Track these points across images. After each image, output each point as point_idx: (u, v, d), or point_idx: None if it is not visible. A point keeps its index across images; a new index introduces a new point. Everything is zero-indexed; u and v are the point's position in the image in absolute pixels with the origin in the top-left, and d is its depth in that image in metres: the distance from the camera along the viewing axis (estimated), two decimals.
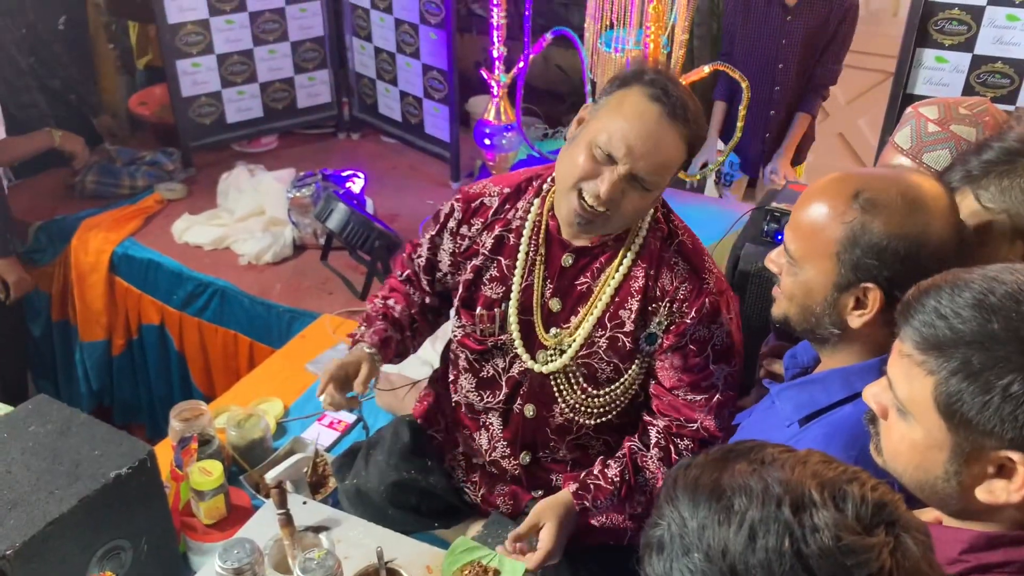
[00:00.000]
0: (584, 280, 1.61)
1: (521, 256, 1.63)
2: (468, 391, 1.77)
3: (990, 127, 1.37)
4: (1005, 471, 0.89)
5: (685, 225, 1.64)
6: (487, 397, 1.74)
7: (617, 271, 1.58)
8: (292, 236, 3.03)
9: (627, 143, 1.43)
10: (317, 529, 1.61)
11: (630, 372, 1.61)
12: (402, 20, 3.39)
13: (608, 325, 1.59)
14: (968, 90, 2.63)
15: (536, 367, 1.65)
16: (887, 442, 0.98)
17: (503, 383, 1.71)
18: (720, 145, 3.41)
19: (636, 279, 1.58)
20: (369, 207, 3.06)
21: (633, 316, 1.57)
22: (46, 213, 3.24)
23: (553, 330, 1.64)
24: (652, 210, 1.59)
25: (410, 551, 1.58)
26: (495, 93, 2.94)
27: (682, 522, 0.70)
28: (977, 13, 2.56)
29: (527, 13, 2.81)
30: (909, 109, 1.49)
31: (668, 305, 1.56)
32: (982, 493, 0.91)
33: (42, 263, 3.22)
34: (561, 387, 1.66)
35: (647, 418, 1.64)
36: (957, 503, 0.94)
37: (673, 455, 1.60)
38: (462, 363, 1.76)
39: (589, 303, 1.60)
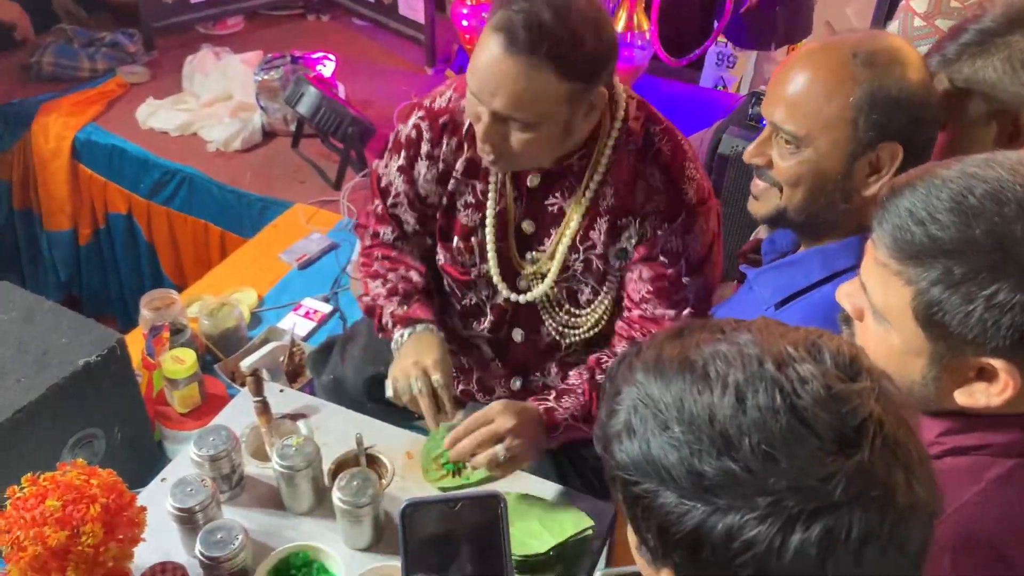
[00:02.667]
0: (554, 201, 1.51)
1: (493, 179, 1.53)
2: (454, 319, 1.71)
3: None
4: (985, 374, 0.86)
5: (667, 128, 1.50)
6: (473, 325, 1.69)
7: (585, 193, 1.48)
8: (261, 122, 2.92)
9: (476, 85, 1.32)
10: (295, 417, 1.59)
11: (606, 289, 1.55)
12: None
13: (580, 248, 1.52)
14: None
15: (516, 297, 1.59)
16: (869, 347, 0.94)
17: (487, 311, 1.65)
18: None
19: (605, 197, 1.48)
20: (341, 93, 2.94)
21: (603, 236, 1.49)
22: (1, 97, 3.08)
23: (529, 255, 1.56)
24: (620, 122, 1.45)
25: (390, 438, 1.56)
26: None
27: (651, 400, 0.65)
28: None
29: None
30: (902, 2, 1.42)
31: (640, 219, 1.47)
32: (961, 396, 0.88)
33: (0, 150, 3.10)
34: (545, 311, 1.60)
35: (616, 334, 1.58)
36: (935, 405, 0.92)
37: None
38: (446, 287, 1.69)
39: (562, 225, 1.52)
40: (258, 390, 1.53)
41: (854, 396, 0.61)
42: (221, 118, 2.93)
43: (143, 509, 1.27)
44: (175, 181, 2.82)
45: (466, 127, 1.52)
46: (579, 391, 1.49)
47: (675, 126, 1.52)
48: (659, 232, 1.47)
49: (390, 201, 1.63)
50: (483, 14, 2.82)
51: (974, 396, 0.87)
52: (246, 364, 1.84)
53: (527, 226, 1.55)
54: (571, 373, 1.55)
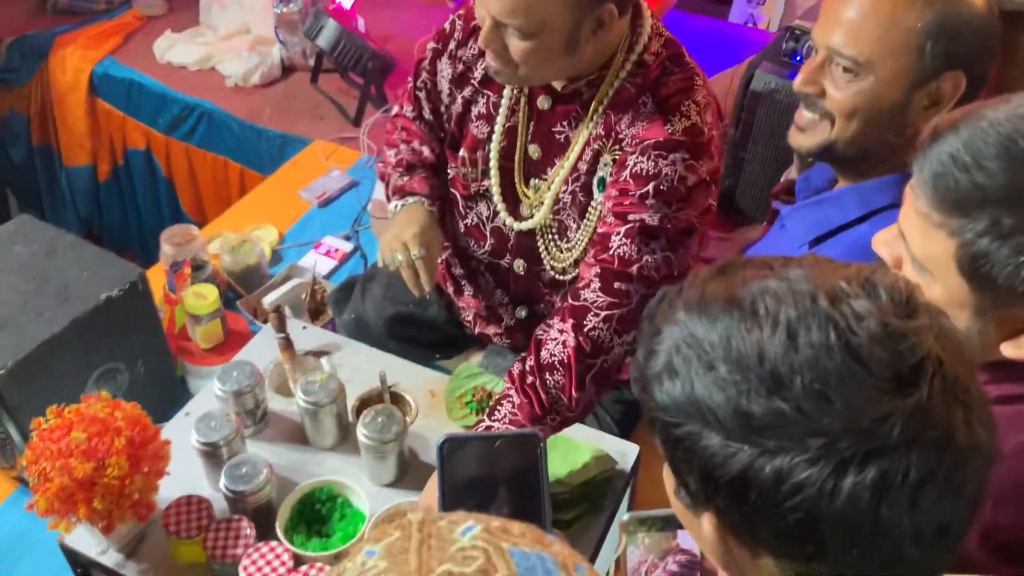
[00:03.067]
0: (562, 129, 1.45)
1: (507, 93, 1.48)
2: (456, 236, 1.68)
3: None
4: None
5: (689, 71, 1.38)
6: (472, 246, 1.65)
7: (589, 124, 1.42)
8: (280, 56, 2.87)
9: None
10: (318, 353, 1.58)
11: (584, 225, 1.48)
12: None
13: (569, 180, 1.46)
14: None
15: (513, 223, 1.54)
16: None
17: (487, 233, 1.61)
18: None
19: (597, 126, 1.40)
20: (361, 26, 2.87)
21: (587, 166, 1.43)
22: (17, 29, 3.05)
23: (533, 181, 1.51)
24: (636, 54, 1.37)
25: (413, 376, 1.55)
26: None
27: (695, 340, 0.62)
28: None
29: None
30: None
31: (618, 145, 1.39)
32: (1009, 349, 0.85)
33: (18, 84, 3.06)
34: (543, 241, 1.55)
35: (581, 273, 1.43)
36: (980, 357, 0.88)
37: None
38: (451, 206, 1.66)
39: (564, 155, 1.46)
40: (281, 326, 1.52)
41: (912, 333, 0.58)
42: (239, 52, 2.88)
43: (167, 443, 1.27)
44: (194, 116, 2.79)
45: None
46: (512, 396, 1.34)
47: (702, 70, 1.41)
48: (629, 150, 1.36)
49: (417, 82, 1.61)
50: None
51: (1020, 348, 0.84)
52: (268, 300, 1.83)
53: (533, 151, 1.50)
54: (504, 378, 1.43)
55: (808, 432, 0.57)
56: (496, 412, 1.33)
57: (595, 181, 1.44)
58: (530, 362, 1.35)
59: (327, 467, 1.41)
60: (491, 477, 1.00)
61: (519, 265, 1.61)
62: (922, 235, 0.84)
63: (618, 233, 1.34)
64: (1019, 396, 0.86)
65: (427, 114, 1.63)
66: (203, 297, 1.71)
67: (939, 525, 0.59)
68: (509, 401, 1.33)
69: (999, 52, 1.13)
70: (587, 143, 1.42)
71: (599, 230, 1.40)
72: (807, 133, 1.23)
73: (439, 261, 1.64)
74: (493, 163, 1.52)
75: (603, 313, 1.33)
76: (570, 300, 1.37)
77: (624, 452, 1.44)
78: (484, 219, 1.60)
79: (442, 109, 1.59)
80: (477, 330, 1.75)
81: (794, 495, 0.57)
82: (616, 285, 1.33)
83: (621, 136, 1.38)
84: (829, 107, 1.18)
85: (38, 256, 1.61)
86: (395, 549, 0.46)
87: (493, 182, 1.54)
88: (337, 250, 2.12)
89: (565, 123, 1.45)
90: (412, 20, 3.07)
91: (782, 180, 1.68)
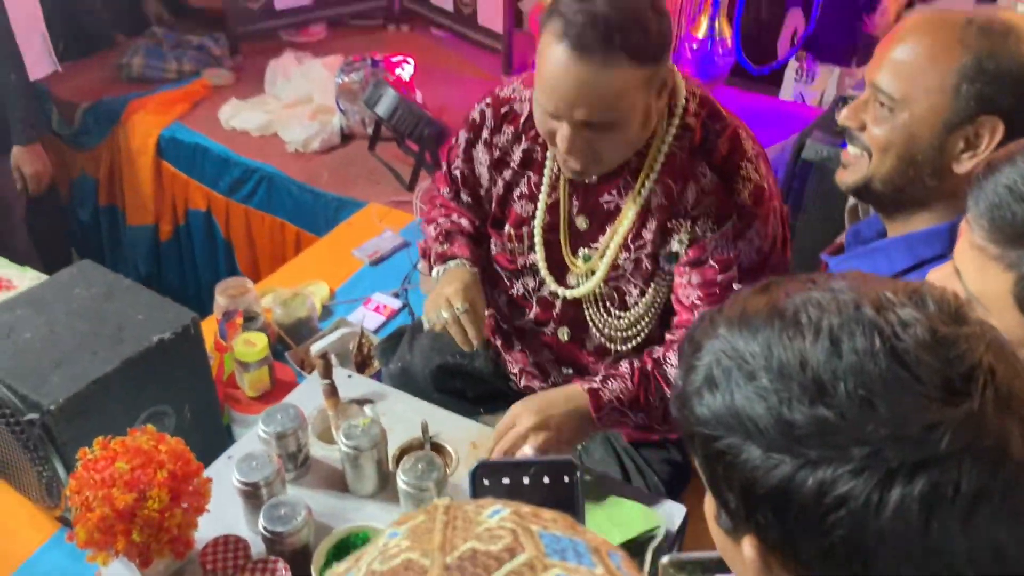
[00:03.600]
0: (610, 198, 1.47)
1: (547, 172, 1.50)
2: (502, 305, 1.69)
3: None
4: None
5: (730, 125, 1.42)
6: (517, 317, 1.66)
7: (641, 191, 1.42)
8: (340, 124, 2.96)
9: (554, 101, 1.27)
10: (361, 402, 1.58)
11: (650, 292, 1.49)
12: None
13: (632, 247, 1.47)
14: None
15: (563, 291, 1.56)
16: None
17: (533, 302, 1.62)
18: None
19: (658, 196, 1.42)
20: (418, 97, 2.96)
21: (653, 236, 1.44)
22: (93, 96, 3.20)
23: (582, 251, 1.52)
24: (679, 119, 1.40)
25: (455, 427, 1.54)
26: None
27: (736, 352, 0.61)
28: None
29: None
30: None
31: (691, 221, 1.41)
32: None
33: (89, 147, 3.21)
34: (591, 311, 1.56)
35: (667, 336, 1.51)
36: None
37: None
38: (493, 279, 1.68)
39: (616, 223, 1.47)
40: (327, 373, 1.52)
41: (962, 341, 0.57)
42: (301, 119, 2.98)
43: (209, 480, 1.27)
44: (254, 179, 2.87)
45: (524, 117, 1.50)
46: (627, 377, 1.43)
47: (744, 124, 1.45)
48: (709, 235, 1.40)
49: (452, 168, 1.66)
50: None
51: None
52: (316, 348, 1.85)
53: (581, 222, 1.51)
54: (623, 362, 1.48)
55: (852, 441, 0.55)
56: (608, 383, 1.42)
57: (666, 254, 1.45)
58: (657, 354, 1.45)
59: (365, 513, 1.39)
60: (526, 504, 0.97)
61: (563, 332, 1.61)
62: (978, 269, 0.83)
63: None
64: None
65: (465, 197, 1.68)
66: (252, 344, 1.73)
67: (995, 548, 0.55)
68: (622, 379, 1.42)
69: None
70: (647, 212, 1.44)
71: (684, 302, 1.45)
72: (849, 169, 1.24)
73: (486, 315, 1.65)
74: (538, 238, 1.54)
75: None
76: None
77: (671, 513, 1.40)
78: (530, 290, 1.62)
79: (482, 192, 1.63)
80: (523, 383, 1.74)
81: (837, 509, 0.55)
82: None
83: (693, 213, 1.41)
84: (868, 141, 1.18)
85: (96, 299, 1.65)
86: (419, 530, 0.45)
87: (539, 256, 1.56)
88: (386, 306, 2.14)
89: (613, 192, 1.46)
90: (467, 92, 3.15)
91: (836, 242, 1.66)
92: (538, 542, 0.43)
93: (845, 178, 1.25)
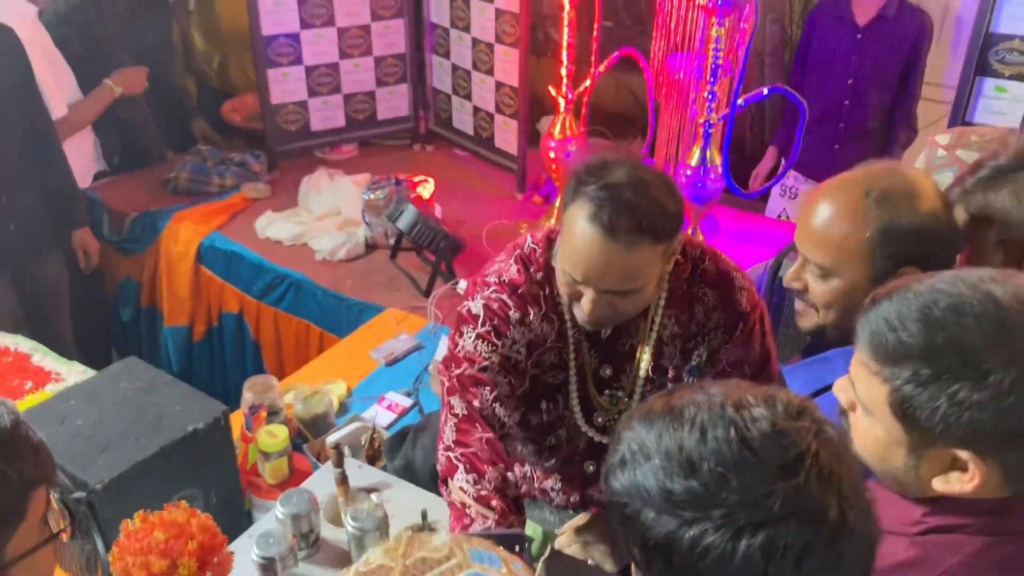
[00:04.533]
0: (625, 340, 1.64)
1: (571, 339, 1.62)
2: (527, 454, 1.79)
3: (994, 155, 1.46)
4: (959, 464, 0.97)
5: (706, 248, 1.63)
6: (546, 459, 1.79)
7: (652, 330, 1.60)
8: (365, 236, 3.21)
9: (583, 272, 1.42)
10: (369, 490, 1.76)
11: None
12: (479, 39, 3.57)
13: (655, 378, 1.64)
14: None
15: (598, 437, 1.69)
16: (855, 434, 1.06)
17: (564, 447, 1.75)
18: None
19: (668, 327, 1.60)
20: (437, 212, 3.23)
21: (676, 360, 1.62)
22: (141, 206, 3.49)
23: (607, 392, 1.67)
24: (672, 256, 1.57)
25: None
26: (561, 109, 3.09)
27: (640, 439, 0.81)
28: None
29: (595, 34, 2.96)
30: (929, 137, 1.59)
31: (706, 337, 1.60)
32: (939, 484, 0.99)
33: (135, 252, 3.48)
34: None
35: None
36: (917, 491, 1.02)
37: None
38: (516, 431, 1.72)
39: (634, 363, 1.64)
40: (339, 462, 1.71)
41: (795, 433, 0.76)
42: (329, 231, 3.25)
43: (231, 553, 1.45)
44: (284, 284, 3.12)
45: (543, 297, 1.60)
46: None
47: (717, 249, 1.67)
48: (724, 344, 1.60)
49: (479, 366, 1.59)
50: (569, 146, 3.09)
51: (950, 483, 0.98)
52: (331, 439, 2.03)
53: (605, 371, 1.65)
54: None
55: (713, 505, 0.74)
56: None
57: (688, 370, 1.63)
58: None
59: None
60: None
61: (589, 466, 1.75)
62: (865, 381, 1.01)
63: None
64: (951, 526, 0.99)
65: (504, 390, 1.60)
66: (274, 436, 1.92)
67: None
68: None
69: (953, 244, 1.32)
70: (661, 344, 1.61)
71: None
72: (802, 318, 1.44)
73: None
74: (574, 398, 1.65)
75: None
76: None
77: None
78: (563, 440, 1.72)
79: (518, 373, 1.63)
80: (523, 488, 1.89)
81: (705, 556, 0.73)
82: None
83: (705, 330, 1.60)
84: (812, 299, 1.38)
85: (140, 392, 1.86)
86: (389, 547, 0.65)
87: (576, 413, 1.66)
88: (398, 404, 2.33)
89: (626, 335, 1.63)
90: (483, 208, 3.42)
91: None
92: (466, 553, 0.63)
93: (802, 323, 1.45)
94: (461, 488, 1.49)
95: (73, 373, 2.46)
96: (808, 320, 1.44)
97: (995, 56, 2.68)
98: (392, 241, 3.16)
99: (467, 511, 1.46)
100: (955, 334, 0.93)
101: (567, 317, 1.59)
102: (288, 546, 1.50)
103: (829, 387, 1.38)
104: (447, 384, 1.61)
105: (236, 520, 1.89)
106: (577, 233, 1.41)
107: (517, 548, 1.12)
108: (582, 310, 1.47)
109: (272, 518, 1.64)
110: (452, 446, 1.55)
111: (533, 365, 1.63)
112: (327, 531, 1.67)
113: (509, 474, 1.53)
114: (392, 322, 2.75)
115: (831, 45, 3.35)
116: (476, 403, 1.56)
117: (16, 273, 3.02)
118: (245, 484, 1.95)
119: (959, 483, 0.96)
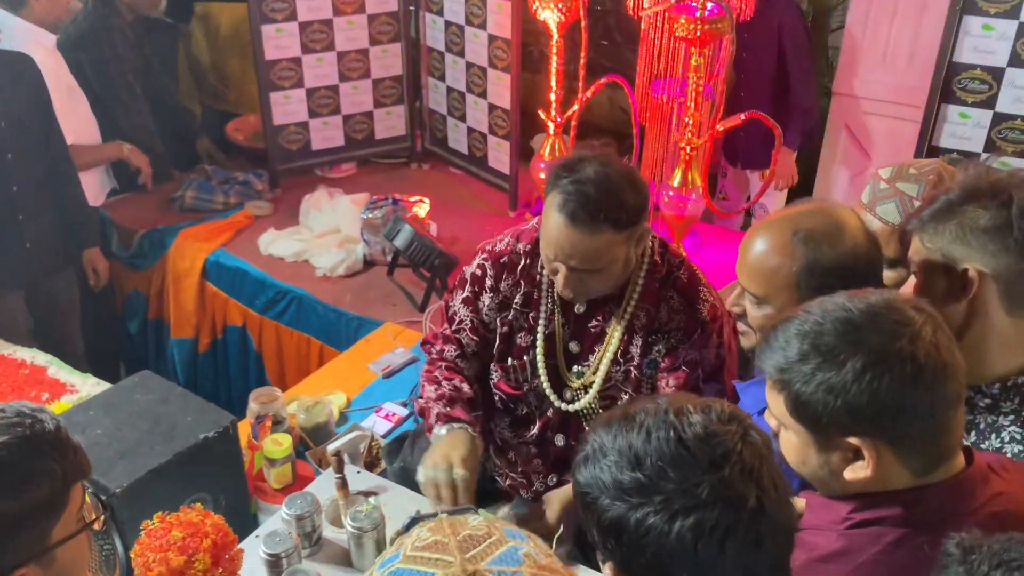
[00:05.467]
0: (596, 323, 1.86)
1: (543, 309, 1.89)
2: (503, 428, 2.03)
3: (933, 184, 1.61)
4: (858, 452, 1.12)
5: (683, 260, 1.87)
6: (521, 432, 2.00)
7: (624, 316, 1.83)
8: (363, 253, 3.36)
9: (553, 252, 1.69)
10: (367, 494, 1.90)
11: (641, 395, 1.86)
12: (472, 63, 3.72)
13: (622, 362, 1.85)
14: (989, 145, 2.83)
15: (565, 406, 1.91)
16: (784, 450, 1.22)
17: (536, 420, 1.97)
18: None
19: (639, 318, 1.82)
20: (432, 230, 3.37)
21: (639, 350, 1.83)
22: (149, 223, 3.63)
23: (576, 368, 1.89)
24: (649, 256, 1.82)
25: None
26: (550, 132, 3.24)
27: (600, 440, 0.97)
28: (998, 74, 2.76)
29: (583, 61, 3.11)
30: (871, 170, 1.75)
31: (666, 336, 1.82)
32: (848, 474, 1.14)
33: (143, 268, 3.62)
34: (587, 419, 1.92)
35: None
36: (836, 486, 1.17)
37: None
38: (497, 403, 2.02)
39: (604, 344, 1.86)
40: (339, 468, 1.85)
41: (724, 434, 0.92)
42: (329, 248, 3.39)
43: (241, 550, 1.59)
44: (286, 299, 3.26)
45: (520, 266, 1.90)
46: None
47: (691, 262, 1.89)
48: (681, 345, 1.80)
49: (455, 327, 1.97)
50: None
51: (855, 472, 1.13)
52: (332, 447, 2.17)
53: (574, 346, 1.89)
54: None
55: (654, 492, 0.90)
56: None
57: (646, 362, 1.84)
58: None
59: None
60: None
61: (559, 439, 1.95)
62: (772, 397, 1.18)
63: None
64: (872, 520, 1.14)
65: (471, 349, 1.97)
66: (279, 444, 2.06)
67: (746, 569, 0.88)
68: None
69: (872, 275, 1.47)
70: (632, 331, 1.83)
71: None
72: (745, 338, 1.61)
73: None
74: (540, 363, 1.90)
75: None
76: None
77: None
78: (533, 410, 1.96)
79: (488, 334, 1.96)
80: (508, 483, 2.05)
81: (647, 535, 0.89)
82: None
83: (667, 329, 1.81)
84: (749, 322, 1.54)
85: (154, 403, 1.99)
86: (433, 527, 0.82)
87: (542, 378, 1.90)
88: (394, 414, 2.47)
89: (599, 318, 1.86)
90: (477, 225, 3.57)
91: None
92: (501, 530, 0.80)
93: (743, 343, 1.62)
94: (424, 396, 1.90)
95: (87, 385, 2.59)
96: (748, 340, 1.61)
97: (958, 84, 2.83)
98: (389, 258, 3.30)
99: (429, 410, 1.85)
100: (818, 338, 1.11)
101: (545, 287, 1.86)
102: (293, 544, 1.64)
103: None
104: (433, 331, 2.02)
105: (244, 522, 2.02)
106: (550, 220, 1.68)
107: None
108: (558, 283, 1.74)
109: (278, 519, 1.77)
110: (423, 375, 1.97)
111: (502, 324, 1.90)
112: (328, 531, 1.81)
113: (464, 386, 1.89)
114: (389, 336, 2.89)
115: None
116: (446, 354, 1.95)
117: (30, 290, 3.17)
118: (252, 489, 2.08)
119: (862, 470, 1.12)
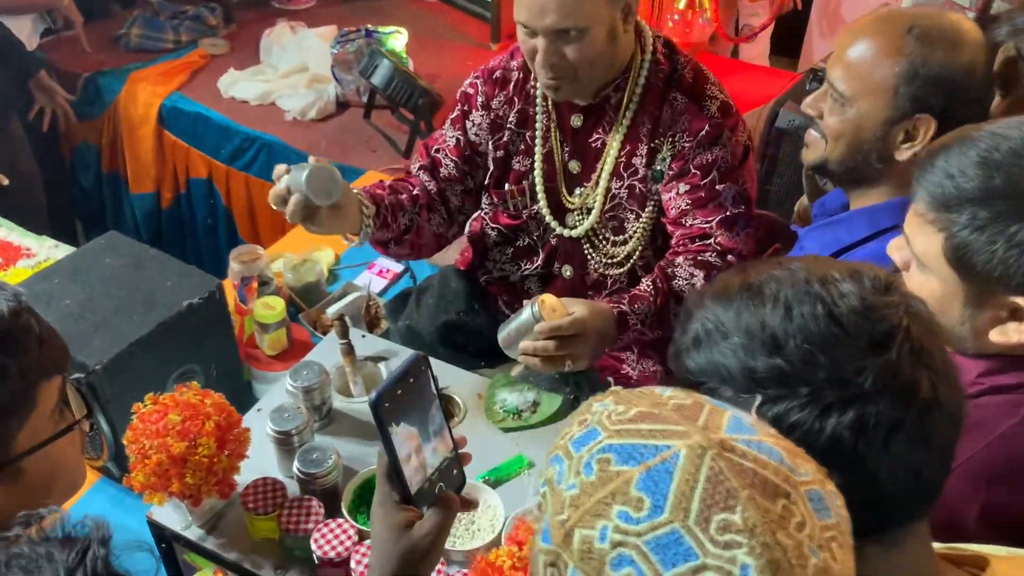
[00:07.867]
0: (597, 136, 1.68)
1: (539, 125, 1.71)
2: (503, 263, 1.86)
3: None
4: (1018, 314, 0.96)
5: (691, 60, 1.67)
6: (524, 265, 1.84)
7: (623, 121, 1.65)
8: (335, 93, 3.07)
9: (525, 15, 1.49)
10: (375, 359, 1.73)
11: (645, 215, 1.69)
12: None
13: (624, 175, 1.68)
14: None
15: (566, 232, 1.75)
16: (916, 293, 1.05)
17: (540, 250, 1.80)
18: None
19: (642, 124, 1.64)
20: (410, 66, 3.07)
21: (643, 160, 1.65)
22: (93, 66, 3.28)
23: (577, 190, 1.72)
24: (651, 52, 1.63)
25: (462, 381, 1.70)
26: None
27: (716, 317, 0.77)
28: None
29: None
30: None
31: (671, 139, 1.63)
32: (996, 335, 0.98)
33: (91, 117, 3.29)
34: (591, 244, 1.75)
35: (668, 256, 1.69)
36: (973, 346, 1.02)
37: (697, 268, 1.61)
38: (493, 240, 1.85)
39: (602, 156, 1.68)
40: (344, 333, 1.67)
41: (885, 307, 0.73)
42: (297, 88, 3.09)
43: (247, 429, 1.42)
44: (254, 148, 2.99)
45: (514, 82, 1.71)
46: (649, 296, 1.59)
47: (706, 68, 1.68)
48: (687, 146, 1.61)
49: (435, 146, 1.80)
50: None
51: (1007, 334, 0.97)
52: (332, 311, 1.99)
53: (574, 166, 1.71)
54: (643, 280, 1.66)
55: (799, 383, 0.72)
56: (635, 305, 1.56)
57: (652, 173, 1.66)
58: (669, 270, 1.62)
59: None
60: (411, 411, 1.03)
61: (567, 270, 1.80)
62: (920, 233, 1.00)
63: (708, 222, 1.61)
64: (1010, 386, 0.99)
65: (445, 171, 1.78)
66: (271, 307, 1.87)
67: (911, 468, 0.72)
68: (645, 301, 1.57)
69: (982, 102, 1.28)
70: (634, 140, 1.64)
71: (672, 214, 1.65)
72: (809, 149, 1.42)
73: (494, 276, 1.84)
74: (539, 186, 1.73)
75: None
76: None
77: None
78: (535, 239, 1.79)
79: (476, 156, 1.79)
80: None
81: (789, 434, 0.71)
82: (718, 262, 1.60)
83: (672, 132, 1.62)
84: (823, 129, 1.34)
85: (127, 267, 1.78)
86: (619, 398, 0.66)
87: (542, 203, 1.73)
88: (389, 270, 2.28)
89: (599, 131, 1.67)
90: (457, 61, 3.27)
91: (796, 209, 1.83)
92: (705, 399, 0.67)
93: (806, 157, 1.41)
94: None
95: (44, 248, 2.37)
96: (815, 152, 1.41)
97: None
98: (365, 98, 3.02)
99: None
100: (1015, 175, 0.91)
101: (540, 101, 1.69)
102: (303, 419, 1.48)
103: (847, 248, 1.37)
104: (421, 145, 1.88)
105: (238, 392, 1.86)
106: None
107: (423, 368, 1.05)
108: (538, 65, 1.53)
109: (279, 391, 1.61)
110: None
111: (496, 147, 1.75)
112: (338, 402, 1.65)
113: (403, 196, 1.74)
114: None
115: None
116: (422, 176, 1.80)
117: None
118: (244, 356, 1.91)
119: (1017, 333, 0.96)
